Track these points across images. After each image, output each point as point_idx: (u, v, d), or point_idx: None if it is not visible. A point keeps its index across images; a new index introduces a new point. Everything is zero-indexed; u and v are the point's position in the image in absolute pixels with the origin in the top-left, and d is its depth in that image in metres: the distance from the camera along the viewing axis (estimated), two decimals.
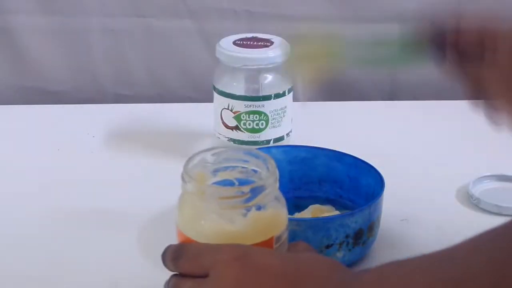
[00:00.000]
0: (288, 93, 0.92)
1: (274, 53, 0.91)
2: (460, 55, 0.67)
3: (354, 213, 0.71)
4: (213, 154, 0.62)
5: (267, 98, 0.91)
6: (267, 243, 0.58)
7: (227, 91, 0.91)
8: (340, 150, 0.81)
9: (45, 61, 1.14)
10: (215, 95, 0.93)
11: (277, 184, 0.60)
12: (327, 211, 0.77)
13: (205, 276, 0.54)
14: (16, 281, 0.71)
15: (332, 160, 0.80)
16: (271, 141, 0.92)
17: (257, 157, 0.62)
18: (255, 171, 0.61)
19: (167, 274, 0.71)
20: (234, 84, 0.92)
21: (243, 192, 0.58)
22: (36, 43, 1.13)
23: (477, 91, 0.67)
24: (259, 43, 0.93)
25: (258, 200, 0.58)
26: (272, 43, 0.93)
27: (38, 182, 0.88)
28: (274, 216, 0.60)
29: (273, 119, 0.91)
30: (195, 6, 1.12)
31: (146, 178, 0.89)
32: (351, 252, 0.70)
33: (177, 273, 0.57)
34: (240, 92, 0.91)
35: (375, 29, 1.13)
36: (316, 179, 0.81)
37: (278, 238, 0.59)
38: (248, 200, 0.58)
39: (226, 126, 0.92)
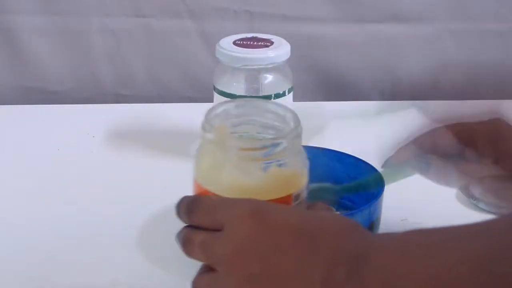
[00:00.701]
0: (288, 93, 0.92)
1: (274, 53, 0.91)
2: (444, 159, 0.69)
3: (354, 213, 0.71)
4: (236, 106, 0.61)
5: (267, 98, 0.91)
6: (285, 200, 0.57)
7: (227, 91, 0.91)
8: (340, 150, 0.81)
9: (45, 61, 1.14)
10: (215, 95, 0.93)
11: (300, 140, 0.58)
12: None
13: (218, 230, 0.53)
14: (16, 280, 0.71)
15: (332, 160, 0.80)
16: None
17: (281, 111, 0.60)
18: (278, 125, 0.60)
19: (166, 274, 0.71)
20: (234, 84, 0.92)
21: (264, 145, 0.57)
22: (36, 43, 1.13)
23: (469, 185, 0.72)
24: (259, 43, 0.92)
25: (278, 154, 0.57)
26: (272, 43, 0.93)
27: (38, 182, 0.88)
28: (294, 173, 0.58)
29: None
30: (195, 6, 1.12)
31: (146, 178, 0.89)
32: None
33: (189, 225, 0.57)
34: (240, 92, 0.91)
35: (375, 29, 1.14)
36: (316, 179, 0.81)
37: (297, 196, 0.58)
38: (269, 153, 0.56)
39: None
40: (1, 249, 0.76)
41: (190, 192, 0.80)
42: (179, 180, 0.89)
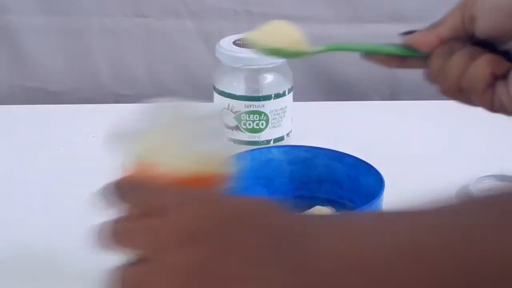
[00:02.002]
0: (288, 93, 0.92)
1: None
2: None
3: None
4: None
5: (267, 98, 0.91)
6: (212, 179, 0.56)
7: (227, 91, 0.91)
8: (340, 150, 0.81)
9: (45, 61, 1.14)
10: (215, 95, 0.93)
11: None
12: (326, 213, 0.77)
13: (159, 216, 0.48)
14: (16, 280, 0.71)
15: (333, 160, 0.80)
16: (271, 141, 0.92)
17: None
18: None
19: None
20: (234, 84, 0.92)
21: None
22: (36, 43, 1.13)
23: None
24: None
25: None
26: None
27: (38, 182, 0.88)
28: (223, 157, 0.59)
29: (273, 119, 0.91)
30: (195, 6, 1.12)
31: None
32: None
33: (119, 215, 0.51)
34: (240, 92, 0.91)
35: (375, 29, 1.14)
36: (316, 179, 0.81)
37: (222, 180, 0.58)
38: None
39: (226, 126, 0.92)
40: (1, 249, 0.76)
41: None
42: None
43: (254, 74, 0.92)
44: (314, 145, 0.81)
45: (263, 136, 0.92)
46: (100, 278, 0.68)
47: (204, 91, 1.06)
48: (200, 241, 0.45)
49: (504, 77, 0.61)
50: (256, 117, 0.91)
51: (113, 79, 1.15)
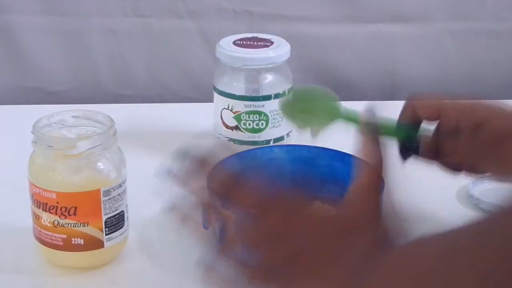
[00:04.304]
0: (288, 93, 0.92)
1: (274, 53, 0.91)
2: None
3: None
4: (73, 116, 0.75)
5: (267, 98, 0.91)
6: (94, 194, 0.68)
7: (227, 91, 0.91)
8: (341, 150, 0.81)
9: (45, 61, 1.14)
10: (215, 95, 0.93)
11: (114, 143, 0.70)
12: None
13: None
14: (15, 278, 0.71)
15: (335, 160, 0.80)
16: (271, 141, 0.92)
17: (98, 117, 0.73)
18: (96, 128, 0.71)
19: (168, 275, 0.71)
20: (234, 84, 0.92)
21: (72, 144, 0.68)
22: (36, 43, 1.13)
23: (457, 165, 0.76)
24: (259, 43, 0.93)
25: (87, 153, 0.67)
26: (272, 43, 0.93)
27: None
28: (103, 171, 0.69)
29: (273, 119, 0.91)
30: (195, 6, 1.12)
31: (146, 178, 0.89)
32: None
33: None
34: (240, 92, 0.91)
35: (375, 29, 1.14)
36: (318, 179, 0.81)
37: (106, 192, 0.69)
38: (77, 151, 0.68)
39: (226, 126, 0.92)
40: (3, 250, 0.76)
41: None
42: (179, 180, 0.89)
43: (254, 74, 0.92)
44: (315, 145, 0.82)
45: (263, 136, 0.92)
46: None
47: (204, 91, 1.06)
48: (277, 242, 0.59)
49: None
50: (256, 117, 0.91)
51: (113, 79, 1.16)
